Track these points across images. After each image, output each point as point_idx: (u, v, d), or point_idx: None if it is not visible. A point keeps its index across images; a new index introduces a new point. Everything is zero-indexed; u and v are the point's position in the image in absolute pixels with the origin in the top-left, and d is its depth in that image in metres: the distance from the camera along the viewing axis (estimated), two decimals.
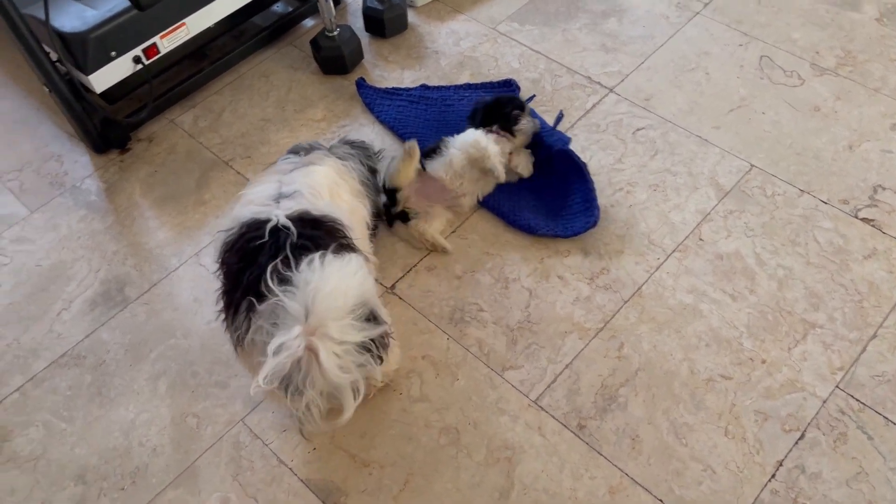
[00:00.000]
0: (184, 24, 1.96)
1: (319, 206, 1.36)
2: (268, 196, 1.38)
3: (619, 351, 1.58)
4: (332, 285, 1.12)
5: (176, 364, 1.64)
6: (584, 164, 1.80)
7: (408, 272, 1.74)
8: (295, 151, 1.62)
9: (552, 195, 1.82)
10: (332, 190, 1.46)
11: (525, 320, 1.64)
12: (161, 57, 1.98)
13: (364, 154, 1.74)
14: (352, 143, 1.76)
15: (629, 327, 1.62)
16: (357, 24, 2.27)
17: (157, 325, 1.70)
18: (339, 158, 1.61)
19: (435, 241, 1.74)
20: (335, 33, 2.10)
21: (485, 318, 1.65)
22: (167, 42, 1.96)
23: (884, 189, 1.79)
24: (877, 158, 1.85)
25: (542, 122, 1.91)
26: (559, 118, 1.92)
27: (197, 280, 1.77)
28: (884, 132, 1.90)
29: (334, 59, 2.13)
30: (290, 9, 2.31)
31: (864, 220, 1.74)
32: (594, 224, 1.73)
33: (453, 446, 1.48)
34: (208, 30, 2.06)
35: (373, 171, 1.75)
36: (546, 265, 1.73)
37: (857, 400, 1.48)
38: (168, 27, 1.93)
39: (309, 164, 1.49)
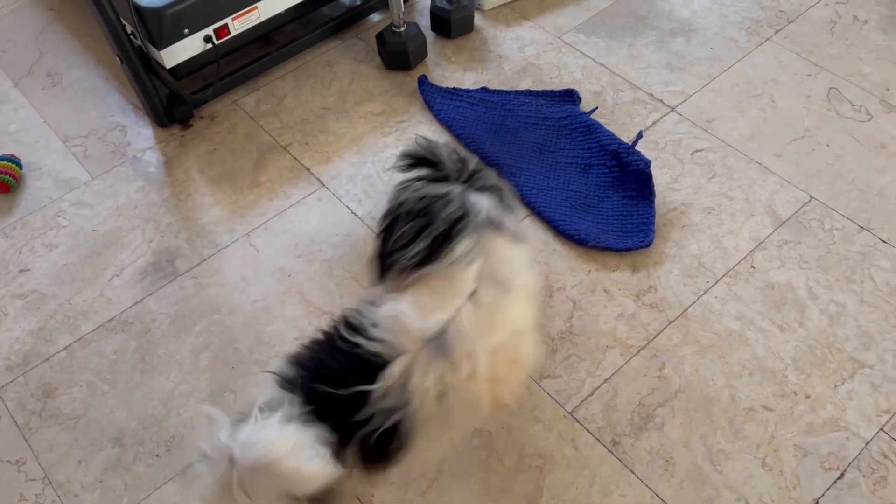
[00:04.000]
0: (256, 7, 1.99)
1: None
2: None
3: (659, 371, 1.57)
4: None
5: (219, 339, 1.66)
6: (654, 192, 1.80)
7: None
8: (413, 157, 1.27)
9: (609, 210, 1.81)
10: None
11: (567, 331, 1.63)
12: (231, 38, 2.01)
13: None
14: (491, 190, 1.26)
15: (672, 348, 1.60)
16: (424, 22, 2.29)
17: (203, 299, 1.73)
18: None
19: None
20: (402, 29, 2.12)
21: None
22: (238, 24, 1.99)
23: None
24: None
25: (621, 141, 1.90)
26: (639, 137, 1.91)
27: (245, 259, 1.79)
28: None
29: (399, 54, 2.14)
30: (359, 1, 2.33)
31: None
32: (647, 246, 1.73)
33: (485, 449, 1.48)
34: (278, 15, 2.09)
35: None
36: (593, 278, 1.72)
37: None
38: (241, 9, 1.97)
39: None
